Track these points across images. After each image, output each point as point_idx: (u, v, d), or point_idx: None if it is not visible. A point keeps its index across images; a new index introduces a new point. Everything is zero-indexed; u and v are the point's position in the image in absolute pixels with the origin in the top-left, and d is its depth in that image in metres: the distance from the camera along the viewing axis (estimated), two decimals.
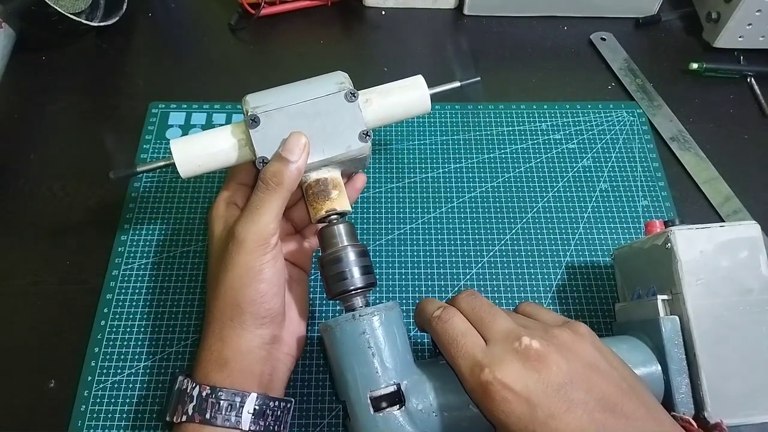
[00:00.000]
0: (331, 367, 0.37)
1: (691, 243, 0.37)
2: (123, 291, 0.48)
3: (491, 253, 0.50)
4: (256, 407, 0.35)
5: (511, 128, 0.58)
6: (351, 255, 0.37)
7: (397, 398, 0.34)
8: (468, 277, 0.49)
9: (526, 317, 0.37)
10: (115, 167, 0.39)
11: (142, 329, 0.46)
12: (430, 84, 0.41)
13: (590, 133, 0.58)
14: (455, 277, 0.49)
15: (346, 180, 0.43)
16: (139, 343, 0.46)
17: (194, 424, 0.35)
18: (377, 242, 0.51)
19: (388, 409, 0.33)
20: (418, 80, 0.41)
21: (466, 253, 0.50)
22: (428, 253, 0.50)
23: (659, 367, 0.37)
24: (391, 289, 0.49)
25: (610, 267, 0.50)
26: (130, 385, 0.44)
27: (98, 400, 0.44)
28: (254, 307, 0.36)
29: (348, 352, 0.35)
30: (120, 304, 0.48)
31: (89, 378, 0.44)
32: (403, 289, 0.49)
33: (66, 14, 0.56)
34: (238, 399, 0.35)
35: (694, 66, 0.61)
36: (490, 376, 0.31)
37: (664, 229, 0.39)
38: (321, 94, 0.38)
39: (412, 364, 0.36)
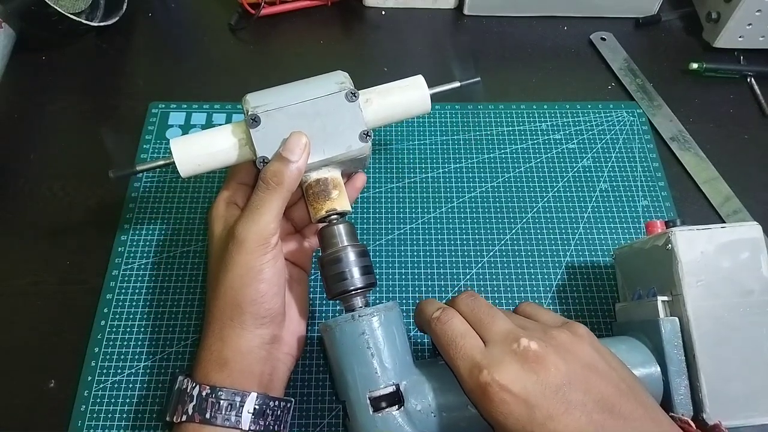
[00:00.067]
0: (330, 367, 0.37)
1: (691, 244, 0.37)
2: (123, 291, 0.48)
3: (491, 253, 0.50)
4: (256, 407, 0.35)
5: (511, 128, 0.58)
6: (351, 255, 0.37)
7: (396, 398, 0.34)
8: (468, 277, 0.49)
9: (526, 318, 0.37)
10: (115, 167, 0.39)
11: (142, 329, 0.46)
12: (430, 84, 0.41)
13: (590, 133, 0.58)
14: (455, 277, 0.49)
15: (346, 179, 0.43)
16: (139, 343, 0.46)
17: (194, 424, 0.35)
18: (377, 242, 0.51)
19: (387, 410, 0.33)
20: (418, 80, 0.41)
21: (466, 253, 0.50)
22: (428, 253, 0.50)
23: (658, 368, 0.37)
24: (391, 289, 0.49)
25: (610, 267, 0.50)
26: (130, 385, 0.44)
27: (98, 400, 0.44)
28: (254, 306, 0.36)
29: (347, 352, 0.35)
30: (120, 304, 0.48)
31: (89, 378, 0.44)
32: (403, 289, 0.49)
33: (66, 14, 0.56)
34: (238, 399, 0.35)
35: (694, 66, 0.61)
36: (489, 378, 0.31)
37: (665, 230, 0.39)
38: (321, 94, 0.38)
39: (411, 365, 0.36)
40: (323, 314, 0.47)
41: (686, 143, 0.57)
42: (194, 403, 0.35)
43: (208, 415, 0.34)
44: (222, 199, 0.40)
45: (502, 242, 0.51)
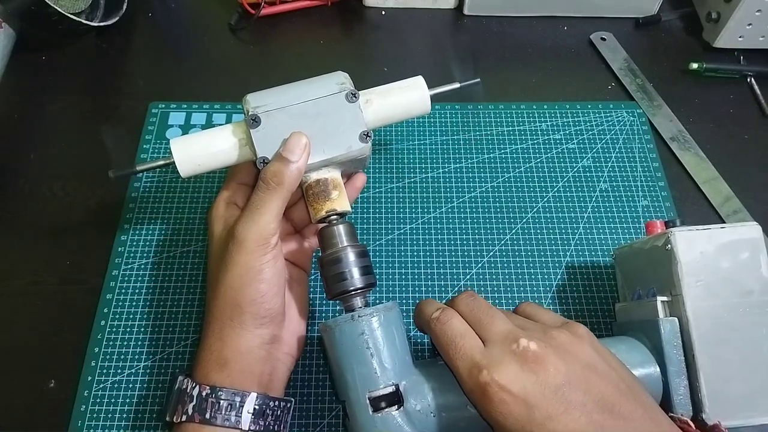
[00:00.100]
0: (330, 367, 0.37)
1: (691, 244, 0.37)
2: (123, 291, 0.48)
3: (491, 253, 0.50)
4: (256, 407, 0.35)
5: (511, 128, 0.58)
6: (351, 255, 0.37)
7: (395, 399, 0.34)
8: (468, 277, 0.49)
9: (525, 318, 0.37)
10: (115, 167, 0.39)
11: (142, 329, 0.47)
12: (430, 84, 0.41)
13: (590, 133, 0.58)
14: (455, 277, 0.49)
15: (346, 180, 0.43)
16: (139, 343, 0.46)
17: (194, 424, 0.35)
18: (377, 242, 0.51)
19: (386, 410, 0.34)
20: (419, 81, 0.41)
21: (466, 253, 0.50)
22: (428, 253, 0.50)
23: (657, 369, 0.37)
24: (391, 289, 0.49)
25: (610, 267, 0.50)
26: (130, 385, 0.44)
27: (98, 400, 0.44)
28: (254, 307, 0.36)
29: (347, 352, 0.35)
30: (120, 304, 0.48)
31: (89, 378, 0.44)
32: (403, 289, 0.49)
33: (66, 14, 0.56)
34: (237, 399, 0.35)
35: (694, 66, 0.61)
36: (488, 378, 0.31)
37: (665, 230, 0.39)
38: (322, 95, 0.38)
39: (410, 365, 0.36)
40: (323, 314, 0.48)
41: (686, 143, 0.57)
42: (194, 403, 0.35)
43: (208, 415, 0.34)
44: (222, 200, 0.40)
45: (502, 242, 0.51)
